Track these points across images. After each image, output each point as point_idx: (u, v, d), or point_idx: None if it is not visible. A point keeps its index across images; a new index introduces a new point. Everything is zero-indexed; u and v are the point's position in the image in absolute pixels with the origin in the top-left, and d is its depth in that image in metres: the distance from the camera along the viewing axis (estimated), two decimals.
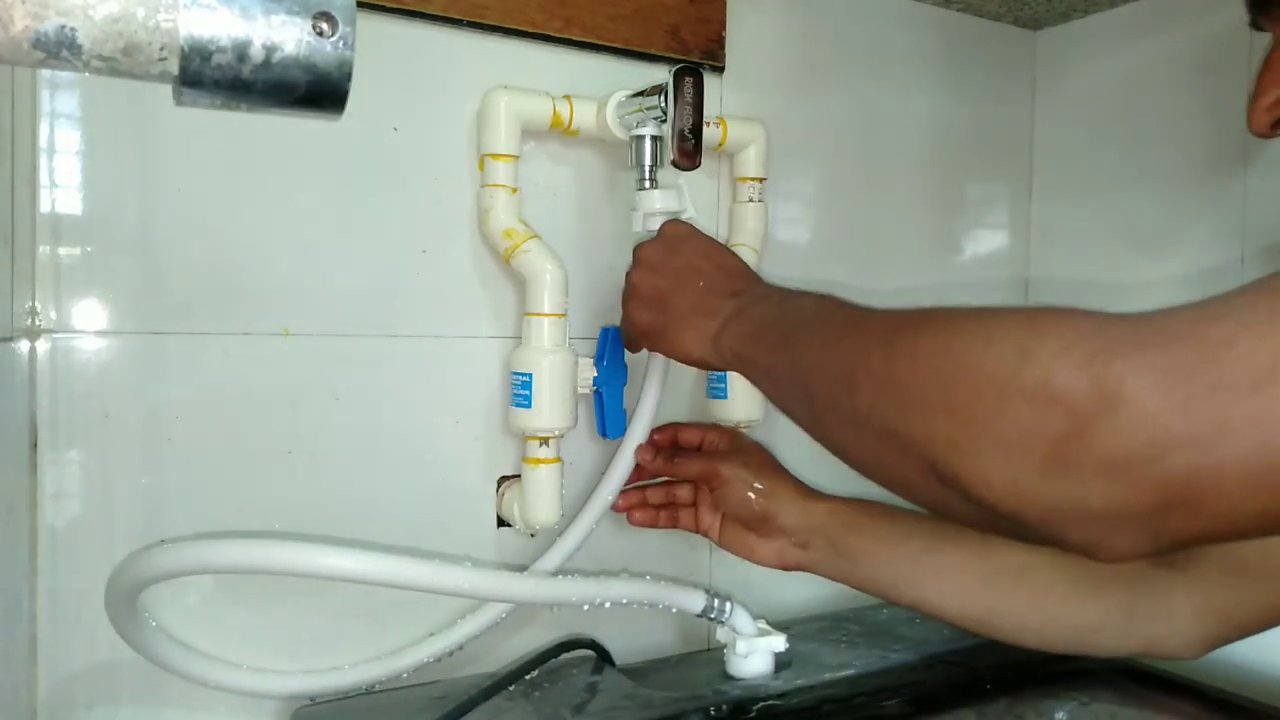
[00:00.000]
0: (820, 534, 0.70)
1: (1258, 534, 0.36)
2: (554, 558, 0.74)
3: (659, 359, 0.74)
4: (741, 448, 0.75)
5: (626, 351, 0.76)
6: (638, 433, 0.74)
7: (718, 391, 0.82)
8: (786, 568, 0.73)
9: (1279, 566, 0.60)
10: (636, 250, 0.68)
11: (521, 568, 0.75)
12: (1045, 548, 0.68)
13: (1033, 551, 0.65)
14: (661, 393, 0.74)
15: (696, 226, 0.68)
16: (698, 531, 0.77)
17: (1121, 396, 0.34)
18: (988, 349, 0.39)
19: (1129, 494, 0.35)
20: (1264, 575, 0.61)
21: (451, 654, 0.73)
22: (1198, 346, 0.34)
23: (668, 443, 0.76)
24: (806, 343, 0.51)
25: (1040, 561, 0.65)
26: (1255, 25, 0.57)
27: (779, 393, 0.55)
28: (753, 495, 0.71)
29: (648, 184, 0.72)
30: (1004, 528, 0.40)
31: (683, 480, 0.76)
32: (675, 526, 0.77)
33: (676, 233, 0.67)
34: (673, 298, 0.64)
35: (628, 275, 0.68)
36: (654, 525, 0.77)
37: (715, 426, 0.78)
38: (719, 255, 0.65)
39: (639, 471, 0.75)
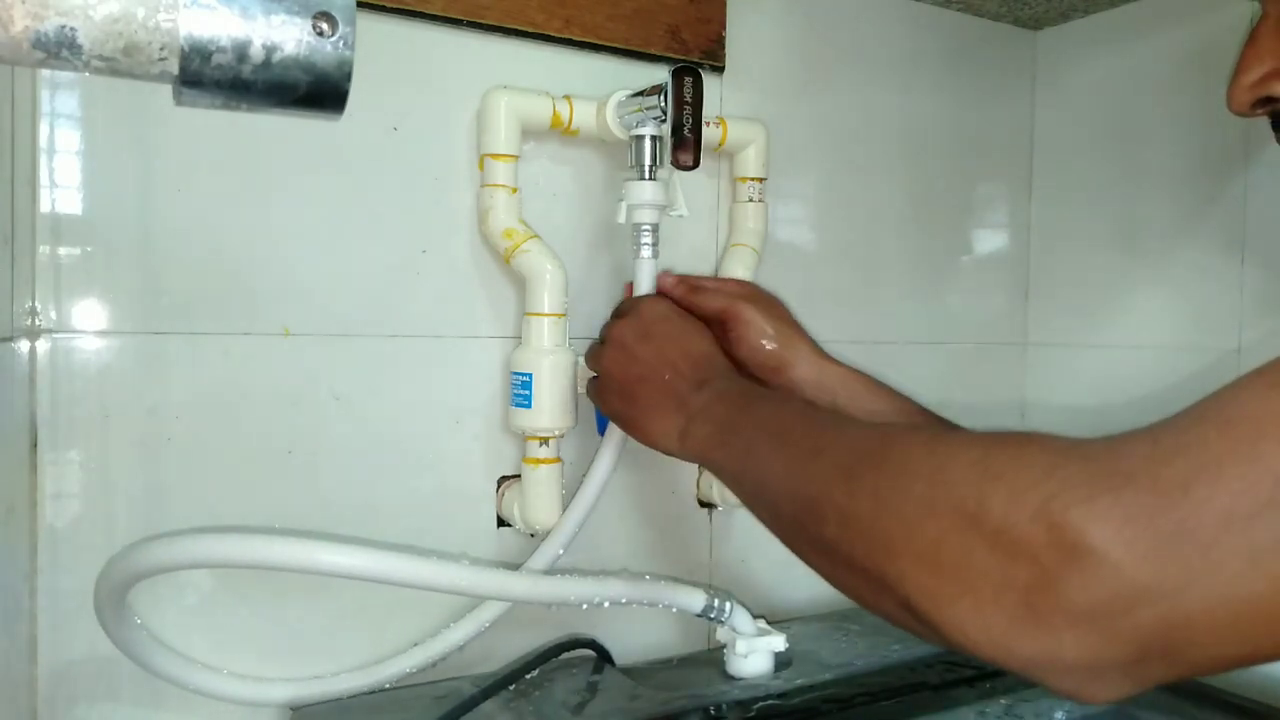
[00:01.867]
0: (829, 394, 0.67)
1: (1246, 666, 0.35)
2: (544, 555, 0.74)
3: None
4: (761, 297, 0.72)
5: None
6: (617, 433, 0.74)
7: None
8: None
9: None
10: (610, 327, 0.67)
11: (519, 567, 0.75)
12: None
13: None
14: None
15: (666, 303, 0.67)
16: None
17: (1083, 547, 0.34)
18: (945, 493, 0.38)
19: (1104, 646, 0.34)
20: None
21: (447, 657, 0.73)
22: (1154, 491, 0.34)
23: (689, 289, 0.73)
24: (769, 462, 0.51)
25: None
26: None
27: (748, 502, 0.54)
28: (767, 342, 0.68)
29: (645, 176, 0.72)
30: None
31: (702, 316, 0.72)
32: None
33: (652, 314, 0.66)
34: (640, 388, 0.63)
35: (597, 353, 0.68)
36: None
37: (734, 279, 0.76)
38: (688, 341, 0.64)
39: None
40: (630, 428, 0.66)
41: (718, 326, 0.70)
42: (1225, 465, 0.33)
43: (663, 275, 0.72)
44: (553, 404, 0.72)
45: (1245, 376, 0.35)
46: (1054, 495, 0.35)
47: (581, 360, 0.75)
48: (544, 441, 0.73)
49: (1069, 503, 0.34)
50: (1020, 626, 0.35)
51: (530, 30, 0.76)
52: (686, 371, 0.62)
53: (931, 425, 0.45)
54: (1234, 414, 0.34)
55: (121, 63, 0.30)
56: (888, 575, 0.40)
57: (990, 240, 1.06)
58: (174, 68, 0.31)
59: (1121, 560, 0.33)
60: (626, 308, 0.69)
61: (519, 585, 0.69)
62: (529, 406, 0.72)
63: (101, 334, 0.65)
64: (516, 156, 0.73)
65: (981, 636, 0.37)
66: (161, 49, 0.30)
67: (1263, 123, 0.57)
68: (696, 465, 0.87)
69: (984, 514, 0.36)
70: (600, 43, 0.79)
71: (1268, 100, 0.55)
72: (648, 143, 0.72)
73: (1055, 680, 0.37)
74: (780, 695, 0.72)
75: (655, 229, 0.72)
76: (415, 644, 0.73)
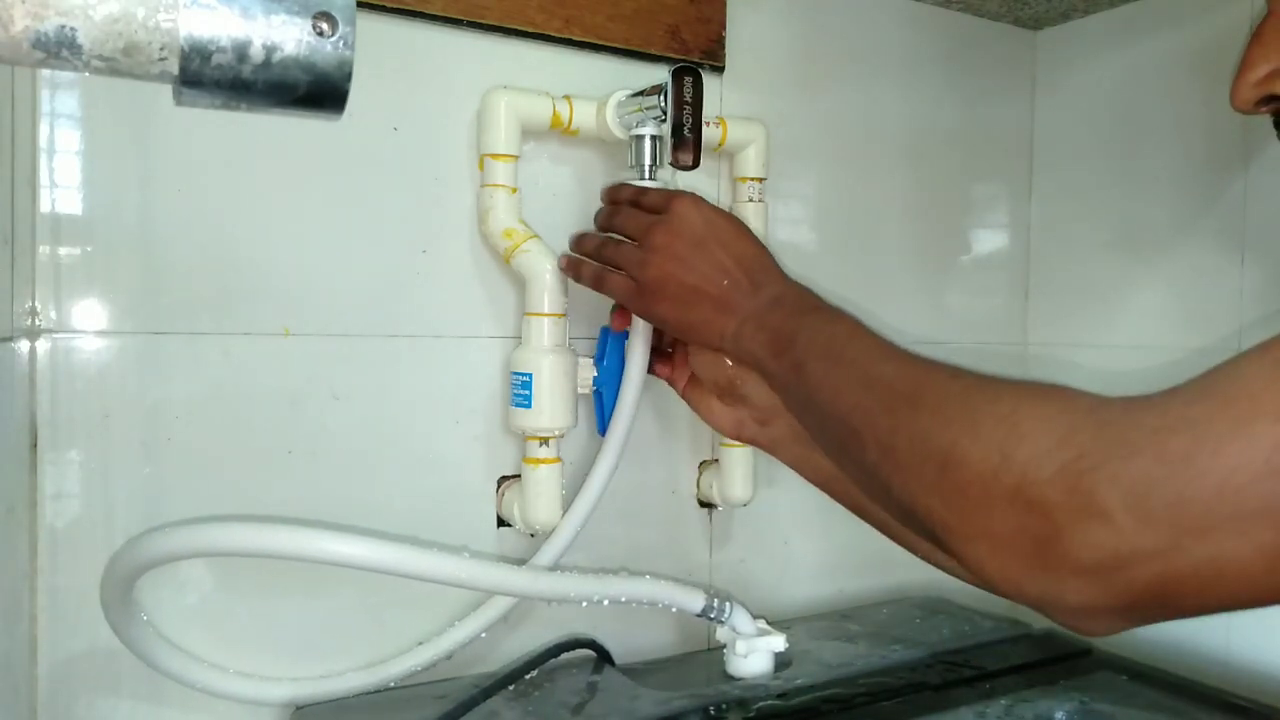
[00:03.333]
0: (784, 416, 0.67)
1: (1232, 610, 0.40)
2: (547, 554, 0.74)
3: (637, 350, 0.73)
4: None
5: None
6: (620, 429, 0.74)
7: None
8: (741, 440, 0.71)
9: None
10: (651, 232, 0.65)
11: (521, 564, 0.75)
12: None
13: None
14: (643, 383, 0.74)
15: (707, 205, 0.65)
16: (667, 379, 0.74)
17: (1092, 509, 0.38)
18: (972, 446, 0.43)
19: (1101, 595, 0.39)
20: None
21: (450, 656, 0.73)
22: (1159, 461, 0.37)
23: None
24: (819, 383, 0.54)
25: None
26: None
27: (795, 412, 0.58)
28: (724, 362, 0.68)
29: (645, 176, 0.72)
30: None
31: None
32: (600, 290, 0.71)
33: (698, 217, 0.64)
34: (694, 295, 0.63)
35: (641, 260, 0.65)
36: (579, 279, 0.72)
37: None
38: (740, 245, 0.64)
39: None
40: (682, 332, 0.66)
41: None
42: (1224, 441, 0.36)
43: None
44: (553, 404, 0.72)
45: (1248, 352, 0.39)
46: (1071, 461, 0.39)
47: (582, 360, 0.75)
48: (544, 441, 0.73)
49: (1084, 469, 0.38)
50: (1030, 570, 0.40)
51: (530, 30, 0.76)
52: (741, 277, 0.63)
53: (965, 373, 0.48)
54: (1235, 391, 0.37)
55: (121, 63, 0.30)
56: (918, 508, 0.45)
57: (990, 240, 1.06)
58: (174, 68, 0.31)
59: (1124, 523, 0.37)
60: (658, 205, 0.66)
61: (519, 580, 0.69)
62: (529, 406, 0.72)
63: (101, 334, 0.65)
64: (516, 156, 0.73)
65: (996, 574, 0.42)
66: (161, 49, 0.30)
67: (1263, 121, 0.57)
68: (696, 466, 0.87)
69: (1007, 469, 0.41)
70: (600, 43, 0.79)
71: (1271, 98, 0.55)
72: (648, 142, 0.72)
73: (1058, 616, 0.42)
74: (780, 695, 0.72)
75: None
76: (419, 643, 0.73)
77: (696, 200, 0.66)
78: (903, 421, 0.47)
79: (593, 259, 0.71)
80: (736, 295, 0.62)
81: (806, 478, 0.69)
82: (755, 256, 0.64)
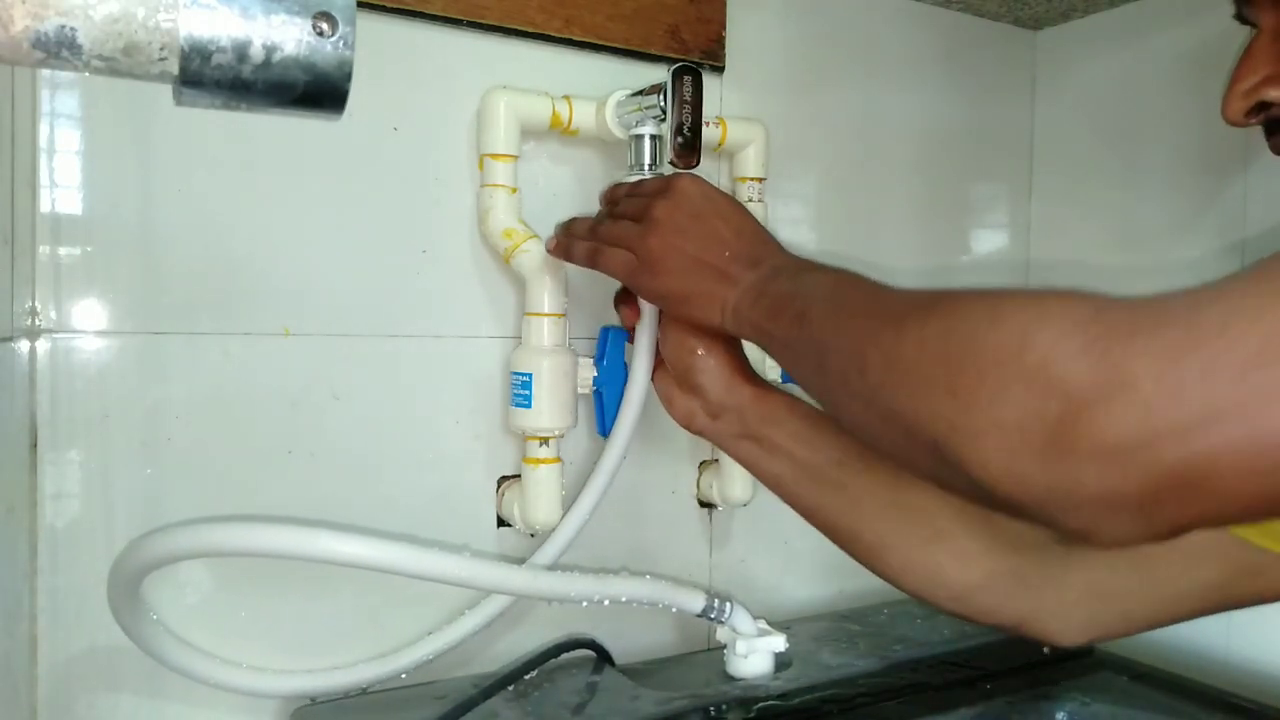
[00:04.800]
0: (735, 413, 0.67)
1: (1254, 518, 0.36)
2: (549, 552, 0.74)
3: (643, 350, 0.73)
4: None
5: (627, 351, 0.76)
6: (626, 427, 0.74)
7: None
8: (691, 431, 0.70)
9: (1180, 558, 0.58)
10: (651, 207, 0.64)
11: (521, 564, 0.75)
12: (956, 497, 0.65)
13: (941, 496, 0.63)
14: (648, 383, 0.74)
15: (707, 183, 0.65)
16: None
17: (1117, 382, 0.35)
18: (991, 332, 0.40)
19: (1123, 480, 0.35)
20: (1164, 564, 0.59)
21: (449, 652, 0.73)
22: (1190, 331, 0.35)
23: None
24: (822, 321, 0.53)
25: (945, 507, 0.64)
26: (1240, 17, 0.56)
27: (794, 366, 0.56)
28: (687, 350, 0.68)
29: (644, 171, 0.71)
30: (1004, 509, 0.40)
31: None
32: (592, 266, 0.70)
33: (698, 192, 0.64)
34: (693, 266, 0.62)
35: (639, 233, 0.64)
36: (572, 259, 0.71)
37: None
38: (740, 219, 0.64)
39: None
40: (681, 304, 0.64)
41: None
42: (1264, 309, 0.34)
43: None
44: (553, 404, 0.72)
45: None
46: (1098, 336, 0.36)
47: (582, 360, 0.75)
48: (544, 441, 0.73)
49: (1111, 342, 0.36)
50: (1043, 459, 0.37)
51: (530, 30, 0.76)
52: (742, 249, 0.62)
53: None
54: (1273, 268, 0.36)
55: (121, 63, 0.30)
56: (921, 416, 0.42)
57: (990, 240, 1.06)
58: (174, 68, 0.30)
59: (1152, 395, 0.34)
60: (657, 188, 0.66)
61: (518, 579, 0.69)
62: (529, 406, 0.72)
63: (101, 334, 0.65)
64: (516, 156, 0.73)
65: (1003, 471, 0.38)
66: (161, 49, 0.30)
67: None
68: (696, 466, 0.87)
69: (1030, 348, 0.38)
70: (600, 43, 0.79)
71: (1261, 107, 0.55)
72: (647, 142, 0.72)
73: (1070, 516, 0.38)
74: (780, 696, 0.72)
75: None
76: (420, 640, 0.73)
77: (696, 178, 0.65)
78: (911, 330, 0.45)
79: (586, 240, 0.69)
80: (736, 267, 0.61)
81: (756, 476, 0.69)
82: (755, 232, 0.63)
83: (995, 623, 0.64)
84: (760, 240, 0.63)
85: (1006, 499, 0.39)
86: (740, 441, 0.68)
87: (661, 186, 0.65)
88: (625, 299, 0.72)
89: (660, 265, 0.64)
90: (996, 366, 0.39)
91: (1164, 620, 0.61)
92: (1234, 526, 0.56)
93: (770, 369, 0.84)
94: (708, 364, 0.67)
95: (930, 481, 0.46)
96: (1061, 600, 0.62)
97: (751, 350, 0.82)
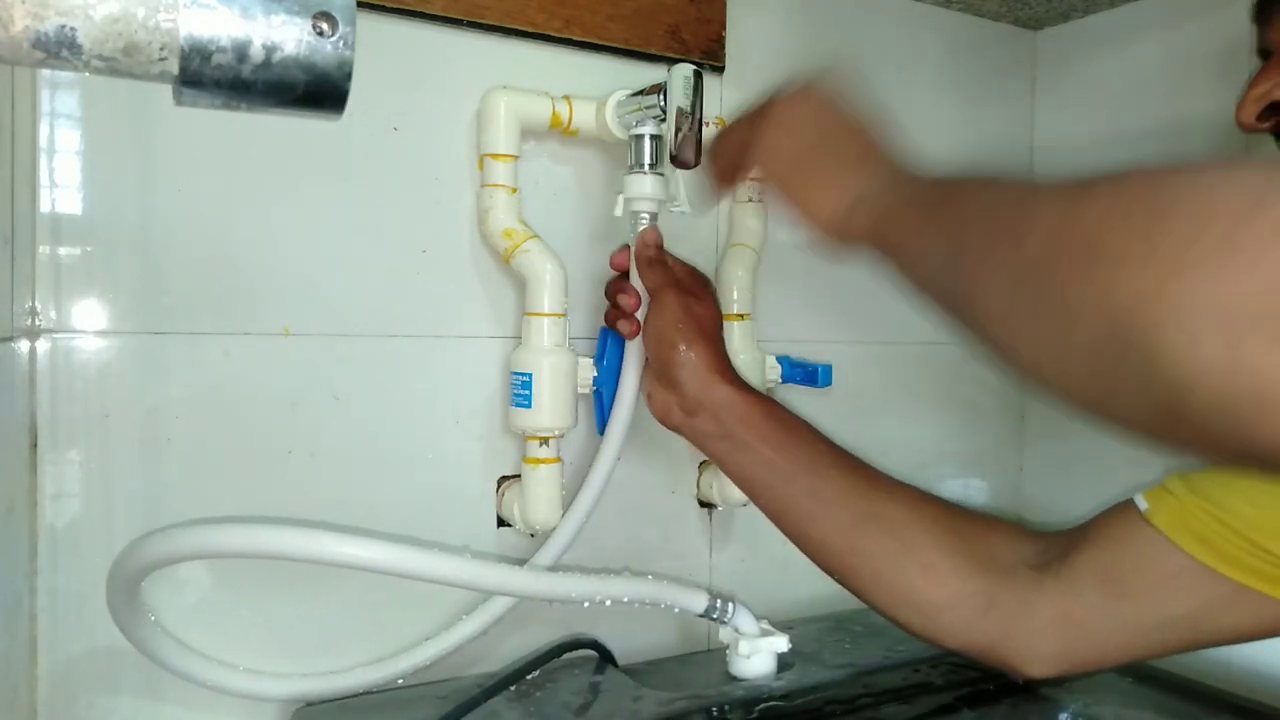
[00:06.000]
0: (710, 411, 0.67)
1: None
2: (549, 552, 0.74)
3: (635, 350, 0.73)
4: (699, 298, 0.71)
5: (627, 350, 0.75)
6: (619, 425, 0.74)
7: None
8: (667, 426, 0.70)
9: (1151, 587, 0.57)
10: (773, 107, 0.62)
11: (521, 564, 0.75)
12: (929, 512, 0.63)
13: (914, 510, 0.64)
14: (639, 381, 0.74)
15: (835, 95, 0.63)
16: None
17: None
18: (1213, 191, 0.33)
19: None
20: (1135, 593, 0.58)
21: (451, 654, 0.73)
22: None
23: (659, 253, 0.72)
24: (963, 202, 0.47)
25: (918, 521, 0.63)
26: (1263, 53, 0.57)
27: (910, 264, 0.51)
28: (668, 345, 0.68)
29: (644, 170, 0.71)
30: (1181, 430, 0.33)
31: (650, 288, 0.72)
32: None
33: (824, 98, 0.62)
34: (816, 154, 0.60)
35: (753, 119, 0.62)
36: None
37: (694, 271, 0.74)
38: (869, 119, 0.62)
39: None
40: (795, 192, 0.61)
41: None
42: None
43: (653, 230, 0.72)
44: (553, 404, 0.72)
45: None
46: None
47: (582, 360, 0.75)
48: (544, 441, 0.73)
49: None
50: (1276, 344, 0.29)
51: (530, 30, 0.76)
52: (875, 145, 0.60)
53: None
54: None
55: (121, 63, 0.30)
56: (1098, 289, 0.34)
57: None
58: (174, 68, 0.30)
59: None
60: (783, 93, 0.63)
61: (520, 580, 0.69)
62: (529, 406, 0.72)
63: (101, 334, 0.65)
64: (516, 156, 0.73)
65: (1217, 354, 0.30)
66: (161, 49, 0.30)
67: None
68: (697, 466, 0.87)
69: (1265, 209, 0.30)
70: (600, 43, 0.79)
71: (1273, 108, 0.56)
72: (647, 142, 0.72)
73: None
74: (783, 696, 0.72)
75: (654, 217, 0.72)
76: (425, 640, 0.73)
77: (827, 89, 0.63)
78: (1100, 190, 0.38)
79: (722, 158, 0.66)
80: (866, 160, 0.59)
81: (728, 475, 0.69)
82: (886, 137, 0.60)
83: (962, 645, 0.63)
84: (889, 145, 0.60)
85: (1206, 398, 0.30)
86: (715, 440, 0.68)
87: (788, 89, 0.62)
88: (621, 288, 0.72)
89: (777, 148, 0.61)
90: (1220, 225, 0.31)
91: (1137, 654, 0.60)
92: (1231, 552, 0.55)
93: (770, 370, 0.84)
94: (688, 359, 0.67)
95: (1079, 393, 0.37)
96: (1030, 627, 0.61)
97: (751, 354, 0.83)
